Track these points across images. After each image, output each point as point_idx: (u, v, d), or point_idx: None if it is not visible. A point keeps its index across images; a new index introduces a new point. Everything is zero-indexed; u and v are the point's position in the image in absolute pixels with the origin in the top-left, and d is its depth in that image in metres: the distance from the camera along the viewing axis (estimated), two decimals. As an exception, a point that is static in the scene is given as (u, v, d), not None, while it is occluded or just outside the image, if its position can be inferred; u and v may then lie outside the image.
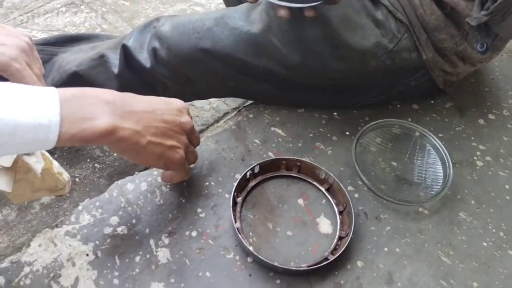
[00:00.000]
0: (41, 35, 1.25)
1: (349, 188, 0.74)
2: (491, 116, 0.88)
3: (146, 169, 0.75)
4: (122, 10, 1.36)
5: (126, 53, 0.81)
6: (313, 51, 0.73)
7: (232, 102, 1.14)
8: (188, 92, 0.85)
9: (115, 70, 0.83)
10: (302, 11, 0.67)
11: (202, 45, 0.75)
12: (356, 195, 0.73)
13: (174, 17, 0.80)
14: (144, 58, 0.80)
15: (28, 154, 0.58)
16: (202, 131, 1.09)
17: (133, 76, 0.83)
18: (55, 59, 0.92)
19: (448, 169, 0.74)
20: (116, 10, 1.36)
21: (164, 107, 0.60)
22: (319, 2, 0.66)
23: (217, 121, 1.12)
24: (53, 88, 0.50)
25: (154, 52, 0.79)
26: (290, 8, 0.67)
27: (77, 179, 0.97)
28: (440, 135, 0.83)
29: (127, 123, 0.54)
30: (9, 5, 1.33)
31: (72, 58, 0.89)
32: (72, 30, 1.29)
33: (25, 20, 1.30)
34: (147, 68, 0.80)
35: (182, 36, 0.76)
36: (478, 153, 0.81)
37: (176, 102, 0.63)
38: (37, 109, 0.47)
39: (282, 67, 0.76)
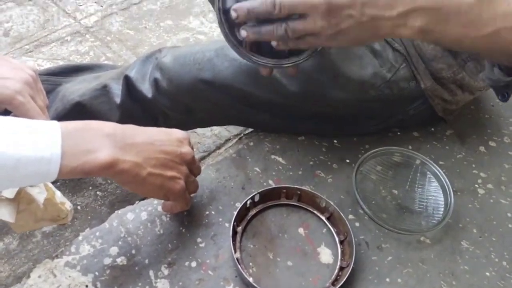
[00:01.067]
0: (46, 64, 1.28)
1: (350, 216, 0.73)
2: (492, 143, 0.88)
3: (146, 198, 0.75)
4: (127, 39, 1.39)
5: (128, 83, 0.83)
6: (312, 81, 0.74)
7: (234, 129, 1.15)
8: (189, 121, 0.86)
9: (117, 100, 0.85)
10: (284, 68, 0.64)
11: (202, 76, 0.76)
12: (357, 224, 0.73)
13: (176, 48, 0.82)
14: (146, 89, 0.81)
15: (31, 185, 0.58)
16: (203, 158, 1.10)
17: (135, 106, 0.84)
18: (59, 89, 0.94)
19: (449, 197, 0.74)
20: (121, 39, 1.38)
21: (165, 138, 0.61)
22: (300, 60, 0.62)
23: (218, 147, 1.13)
24: (55, 122, 0.51)
25: (155, 83, 0.80)
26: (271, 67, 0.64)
27: (79, 207, 0.97)
28: (441, 162, 0.83)
29: (128, 155, 0.55)
30: (16, 35, 1.36)
31: (76, 88, 0.91)
32: (77, 59, 1.31)
33: (30, 49, 1.32)
34: (149, 98, 0.81)
35: (183, 67, 0.78)
36: (479, 180, 0.81)
37: (176, 133, 0.63)
38: (39, 143, 0.48)
39: (282, 97, 0.77)
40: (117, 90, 0.85)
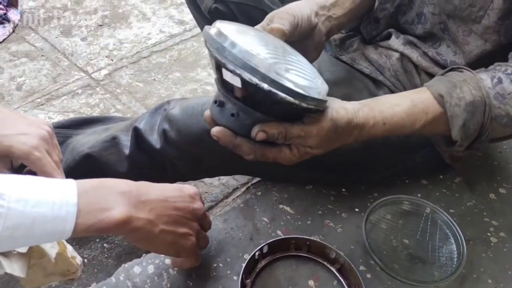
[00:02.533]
0: (57, 117, 1.30)
1: (361, 268, 0.72)
2: (502, 190, 0.87)
3: (154, 250, 0.75)
4: (136, 91, 1.42)
5: (137, 135, 0.84)
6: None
7: (242, 178, 1.15)
8: (197, 171, 0.86)
9: (126, 151, 0.85)
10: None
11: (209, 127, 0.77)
12: (369, 276, 0.71)
13: (184, 100, 0.83)
14: (154, 140, 0.82)
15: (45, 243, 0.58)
16: (211, 207, 1.10)
17: (143, 157, 0.85)
18: (69, 141, 0.95)
19: (461, 247, 0.73)
20: (130, 91, 1.42)
21: (177, 195, 0.61)
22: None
23: (226, 197, 1.12)
24: (71, 180, 0.52)
25: (164, 134, 0.81)
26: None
27: (85, 260, 0.96)
28: (451, 210, 0.81)
29: (141, 212, 0.55)
30: (28, 88, 1.40)
31: (86, 140, 0.92)
32: (87, 111, 1.34)
33: (42, 103, 1.35)
34: (157, 149, 0.82)
35: (191, 118, 0.79)
36: (491, 229, 0.80)
37: (188, 189, 0.64)
38: (55, 202, 0.49)
39: (288, 145, 0.77)
40: (126, 142, 0.86)
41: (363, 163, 0.82)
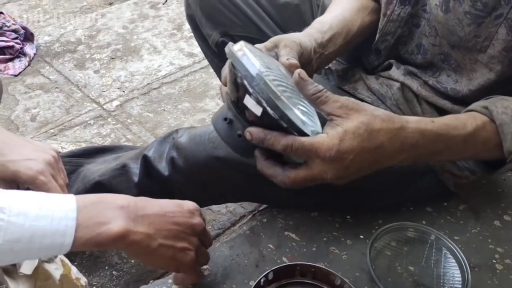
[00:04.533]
0: (69, 147, 1.34)
1: (366, 294, 0.72)
2: (506, 218, 0.87)
3: (161, 276, 0.76)
4: (146, 121, 1.46)
5: (146, 162, 0.86)
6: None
7: (249, 205, 1.17)
8: (204, 198, 0.88)
9: (135, 179, 0.88)
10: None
11: (216, 154, 0.79)
12: (373, 302, 0.71)
13: (192, 129, 0.86)
14: (163, 167, 0.85)
15: (48, 261, 0.60)
16: (218, 235, 1.10)
17: (151, 184, 0.87)
18: (81, 170, 0.98)
19: (466, 274, 0.73)
20: (140, 121, 1.45)
21: (176, 210, 0.63)
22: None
23: (233, 224, 1.13)
24: (71, 196, 0.54)
25: (172, 162, 0.83)
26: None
27: (94, 287, 0.97)
28: (456, 237, 0.82)
29: (140, 227, 0.56)
30: (42, 119, 1.44)
31: (96, 169, 0.95)
32: (99, 141, 1.37)
33: (55, 133, 1.39)
34: (165, 176, 0.84)
35: (198, 146, 0.81)
36: (496, 256, 0.80)
37: (188, 204, 0.65)
38: (54, 217, 0.51)
39: (294, 173, 0.79)
40: (135, 169, 0.88)
41: (368, 190, 0.83)
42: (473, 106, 0.67)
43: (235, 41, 0.97)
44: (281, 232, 0.82)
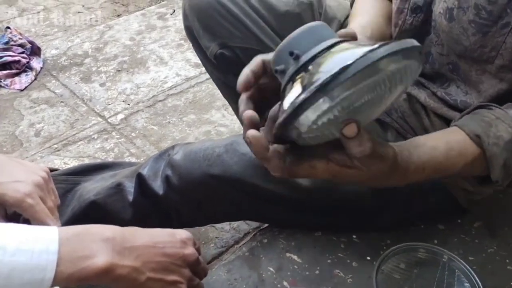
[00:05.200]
0: (72, 162, 1.32)
1: (372, 322, 0.67)
2: (526, 236, 0.82)
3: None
4: (151, 134, 1.43)
5: (141, 181, 0.83)
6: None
7: (253, 222, 1.12)
8: (201, 217, 0.84)
9: (130, 198, 0.85)
10: None
11: (212, 171, 0.76)
12: (380, 331, 0.66)
13: (188, 145, 0.83)
14: (158, 186, 0.81)
15: None
16: (221, 253, 1.06)
17: (147, 203, 0.84)
18: (78, 188, 0.95)
19: (481, 299, 0.67)
20: (145, 135, 1.43)
21: (167, 240, 0.60)
22: None
23: (237, 242, 1.09)
24: (54, 228, 0.51)
25: (167, 180, 0.80)
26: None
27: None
28: (470, 258, 0.76)
29: (126, 260, 0.54)
30: (46, 134, 1.42)
31: (93, 187, 0.92)
32: (102, 156, 1.35)
33: (58, 148, 1.37)
34: (160, 195, 0.81)
35: (193, 163, 0.78)
36: (515, 278, 0.74)
37: (180, 234, 0.62)
38: (35, 251, 0.48)
39: (293, 191, 0.75)
40: (130, 188, 0.85)
41: (374, 208, 0.79)
42: (468, 123, 0.62)
43: (234, 53, 0.94)
44: (282, 254, 0.78)
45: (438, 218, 0.83)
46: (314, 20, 0.90)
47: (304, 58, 0.45)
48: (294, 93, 0.44)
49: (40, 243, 0.48)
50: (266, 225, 0.87)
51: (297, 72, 0.46)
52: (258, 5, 0.88)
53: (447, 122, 0.73)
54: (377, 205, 0.78)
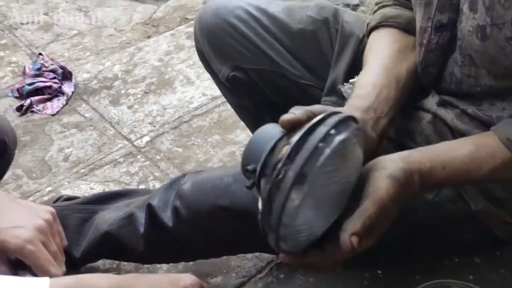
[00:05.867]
0: (98, 187, 1.32)
1: None
2: None
3: None
4: (175, 156, 1.41)
5: (151, 212, 0.81)
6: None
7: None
8: (214, 249, 0.81)
9: (141, 229, 0.83)
10: None
11: (220, 203, 0.73)
12: None
13: (197, 174, 0.80)
14: (167, 217, 0.79)
15: None
16: (243, 283, 1.01)
17: (158, 235, 0.81)
18: (95, 217, 0.94)
19: None
20: (169, 157, 1.41)
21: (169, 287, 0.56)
22: None
23: (260, 271, 1.04)
24: (46, 279, 0.50)
25: (176, 211, 0.78)
26: None
27: None
28: (512, 298, 0.68)
29: None
30: (74, 159, 1.44)
31: (108, 217, 0.91)
32: (127, 180, 1.34)
33: (86, 173, 1.38)
34: (169, 226, 0.79)
35: (201, 194, 0.75)
36: None
37: (185, 279, 0.59)
38: None
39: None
40: (141, 219, 0.83)
41: (400, 243, 0.71)
42: (501, 127, 0.60)
43: (247, 74, 0.90)
44: (299, 291, 0.72)
45: (474, 250, 0.75)
46: (330, 38, 0.85)
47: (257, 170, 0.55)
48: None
49: None
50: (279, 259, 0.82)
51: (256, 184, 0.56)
52: (269, 24, 0.84)
53: None
54: (406, 241, 0.71)
